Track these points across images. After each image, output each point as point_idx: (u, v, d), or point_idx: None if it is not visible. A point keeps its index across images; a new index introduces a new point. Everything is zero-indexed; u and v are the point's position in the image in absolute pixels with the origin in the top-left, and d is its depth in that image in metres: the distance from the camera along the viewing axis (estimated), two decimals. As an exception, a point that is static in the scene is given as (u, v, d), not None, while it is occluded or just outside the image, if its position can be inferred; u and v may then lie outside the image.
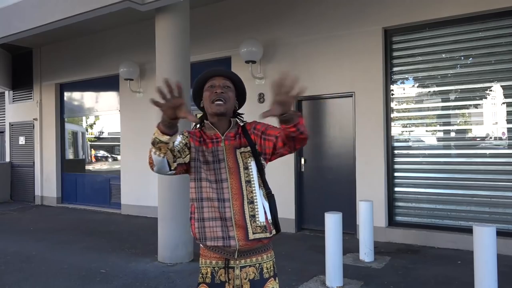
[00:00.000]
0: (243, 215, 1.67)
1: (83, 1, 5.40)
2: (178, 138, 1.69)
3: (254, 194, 1.71)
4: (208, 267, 1.73)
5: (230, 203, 1.68)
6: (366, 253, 4.85)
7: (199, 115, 1.98)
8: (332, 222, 4.06)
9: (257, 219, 1.69)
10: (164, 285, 4.24)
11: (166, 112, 1.45)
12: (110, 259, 5.19)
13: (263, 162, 1.78)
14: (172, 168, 1.65)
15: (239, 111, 1.92)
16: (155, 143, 1.54)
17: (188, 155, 1.72)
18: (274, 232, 1.75)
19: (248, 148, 1.76)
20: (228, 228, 1.67)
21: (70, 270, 4.77)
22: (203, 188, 1.72)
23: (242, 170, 1.72)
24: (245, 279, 1.70)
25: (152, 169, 1.65)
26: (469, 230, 4.56)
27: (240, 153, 1.75)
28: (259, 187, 1.74)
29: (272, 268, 1.77)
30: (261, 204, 1.72)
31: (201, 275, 1.76)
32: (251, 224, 1.68)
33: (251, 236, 1.67)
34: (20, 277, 4.58)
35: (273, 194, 1.80)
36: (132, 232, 6.81)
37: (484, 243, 3.35)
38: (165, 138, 1.52)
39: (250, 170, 1.73)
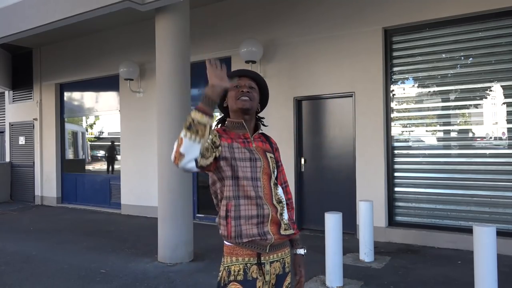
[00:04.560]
0: (276, 213, 1.75)
1: (83, 1, 5.40)
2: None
3: (280, 196, 1.81)
4: (241, 264, 1.71)
5: (264, 201, 1.74)
6: (366, 253, 4.85)
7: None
8: (332, 222, 4.06)
9: (284, 217, 1.79)
10: (164, 285, 4.24)
11: (216, 81, 1.53)
12: (110, 259, 5.19)
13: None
14: (198, 164, 1.56)
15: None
16: (191, 126, 1.47)
17: (213, 155, 1.65)
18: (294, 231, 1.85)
19: (273, 155, 1.87)
20: (264, 224, 1.72)
21: (70, 270, 4.77)
22: (241, 186, 1.71)
23: (271, 173, 1.81)
24: (273, 274, 1.76)
25: (177, 164, 1.51)
26: (469, 230, 4.56)
27: (270, 157, 1.83)
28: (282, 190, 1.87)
29: (290, 262, 1.87)
30: (285, 204, 1.83)
31: (232, 273, 1.71)
32: (282, 221, 1.77)
33: (282, 232, 1.76)
34: (20, 277, 4.58)
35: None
36: (132, 232, 6.81)
37: (484, 243, 3.35)
38: (205, 119, 1.48)
39: (275, 174, 1.84)
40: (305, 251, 1.92)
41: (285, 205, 1.81)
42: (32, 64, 10.44)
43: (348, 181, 6.17)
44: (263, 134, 1.92)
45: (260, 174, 1.75)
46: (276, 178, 1.86)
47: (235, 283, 1.69)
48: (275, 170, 1.84)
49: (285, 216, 1.80)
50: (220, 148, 1.69)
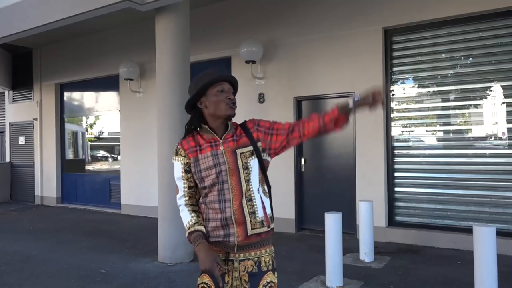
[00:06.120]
0: (242, 213, 1.77)
1: (83, 1, 5.40)
2: (180, 171, 1.86)
3: (252, 192, 1.80)
4: None
5: (230, 203, 1.77)
6: (366, 253, 4.85)
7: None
8: (332, 222, 4.06)
9: (256, 215, 1.79)
10: (164, 285, 4.24)
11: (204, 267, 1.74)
12: (110, 259, 5.19)
13: (266, 157, 1.86)
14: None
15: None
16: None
17: (192, 176, 1.86)
18: (272, 226, 1.85)
19: (249, 148, 1.82)
20: (229, 226, 1.78)
21: (70, 270, 4.77)
22: (209, 193, 1.82)
23: (242, 171, 1.79)
24: (243, 271, 1.80)
25: None
26: (469, 230, 4.55)
27: (240, 153, 1.81)
28: (259, 183, 1.83)
29: (270, 262, 1.85)
30: (259, 200, 1.81)
31: None
32: (250, 221, 1.78)
33: (249, 232, 1.77)
34: (20, 277, 4.58)
35: (270, 186, 1.91)
36: (132, 232, 6.81)
37: (484, 243, 3.35)
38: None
39: (250, 169, 1.81)
40: (356, 97, 1.71)
41: (257, 203, 1.78)
42: (32, 64, 10.43)
43: (348, 181, 6.17)
44: (241, 124, 1.89)
45: (227, 176, 1.78)
46: (261, 162, 1.82)
47: (206, 275, 1.83)
48: (249, 164, 1.79)
49: (259, 214, 1.78)
50: (191, 165, 1.84)
